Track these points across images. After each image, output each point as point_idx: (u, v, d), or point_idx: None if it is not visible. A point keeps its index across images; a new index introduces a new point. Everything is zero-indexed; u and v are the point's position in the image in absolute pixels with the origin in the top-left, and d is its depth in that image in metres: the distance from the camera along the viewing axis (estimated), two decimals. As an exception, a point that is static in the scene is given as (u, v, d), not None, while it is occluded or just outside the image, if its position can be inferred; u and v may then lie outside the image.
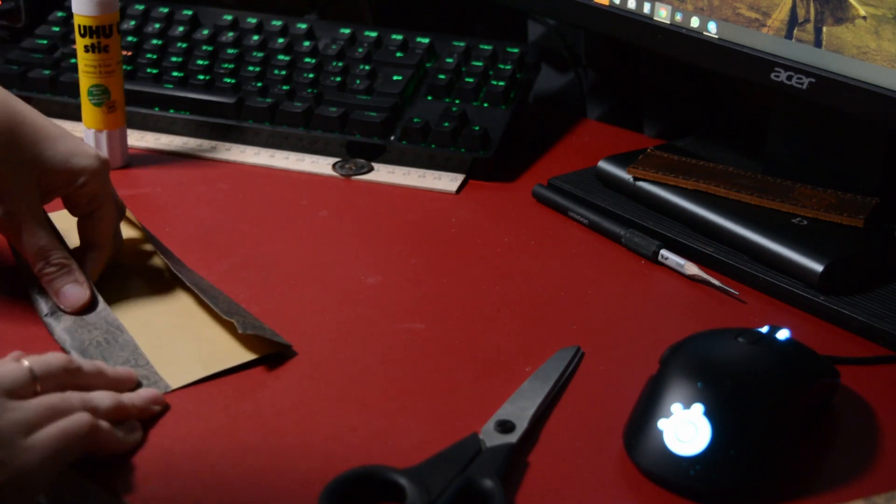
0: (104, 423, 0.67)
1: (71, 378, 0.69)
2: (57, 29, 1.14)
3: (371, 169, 1.03)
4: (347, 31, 1.14)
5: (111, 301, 0.82)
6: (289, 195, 0.99)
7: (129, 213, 0.89)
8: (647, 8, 0.97)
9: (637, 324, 0.84)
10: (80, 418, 0.66)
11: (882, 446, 0.72)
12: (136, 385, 0.73)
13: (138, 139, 1.06)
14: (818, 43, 0.86)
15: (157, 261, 0.87)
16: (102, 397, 0.69)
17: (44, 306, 0.80)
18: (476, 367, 0.78)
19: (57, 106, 1.08)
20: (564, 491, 0.67)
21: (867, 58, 0.84)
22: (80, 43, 0.96)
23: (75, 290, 0.80)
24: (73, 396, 0.67)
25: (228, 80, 1.08)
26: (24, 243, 0.80)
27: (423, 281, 0.88)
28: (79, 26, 0.96)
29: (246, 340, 0.77)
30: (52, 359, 0.69)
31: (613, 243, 0.93)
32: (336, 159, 1.04)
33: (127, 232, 0.89)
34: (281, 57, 1.11)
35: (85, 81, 0.98)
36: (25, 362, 0.68)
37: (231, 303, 0.81)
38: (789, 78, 0.88)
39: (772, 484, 0.67)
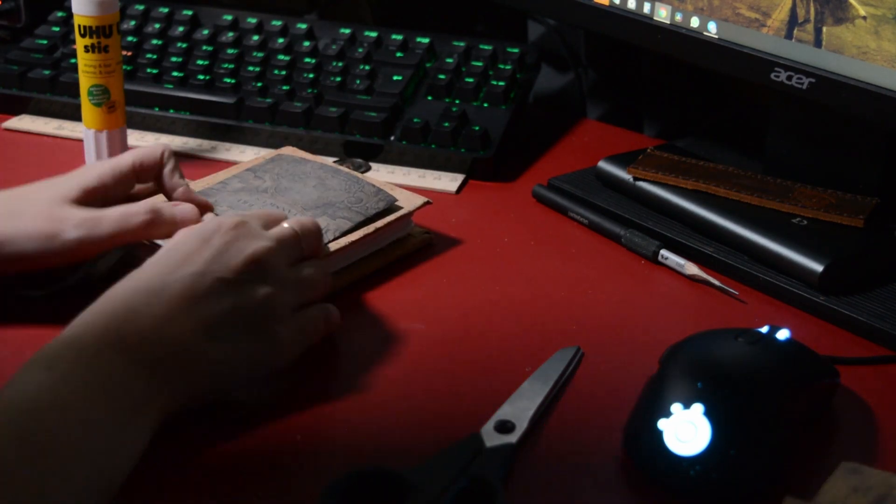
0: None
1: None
2: (57, 29, 1.15)
3: (370, 169, 1.03)
4: (347, 31, 1.14)
5: None
6: (289, 195, 0.98)
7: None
8: (647, 8, 0.97)
9: (637, 324, 0.84)
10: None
11: (882, 446, 0.72)
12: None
13: (138, 139, 1.06)
14: (818, 43, 0.86)
15: None
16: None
17: None
18: (476, 367, 0.78)
19: (57, 106, 1.08)
20: (564, 491, 0.67)
21: (867, 58, 0.84)
22: (80, 43, 0.96)
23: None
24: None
25: (228, 80, 1.08)
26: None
27: (424, 281, 0.88)
28: (79, 26, 0.96)
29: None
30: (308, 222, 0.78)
31: (613, 243, 0.93)
32: (336, 159, 1.04)
33: None
34: (281, 57, 1.11)
35: (85, 81, 0.98)
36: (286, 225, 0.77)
37: None
38: (789, 78, 0.88)
39: (772, 484, 0.67)
